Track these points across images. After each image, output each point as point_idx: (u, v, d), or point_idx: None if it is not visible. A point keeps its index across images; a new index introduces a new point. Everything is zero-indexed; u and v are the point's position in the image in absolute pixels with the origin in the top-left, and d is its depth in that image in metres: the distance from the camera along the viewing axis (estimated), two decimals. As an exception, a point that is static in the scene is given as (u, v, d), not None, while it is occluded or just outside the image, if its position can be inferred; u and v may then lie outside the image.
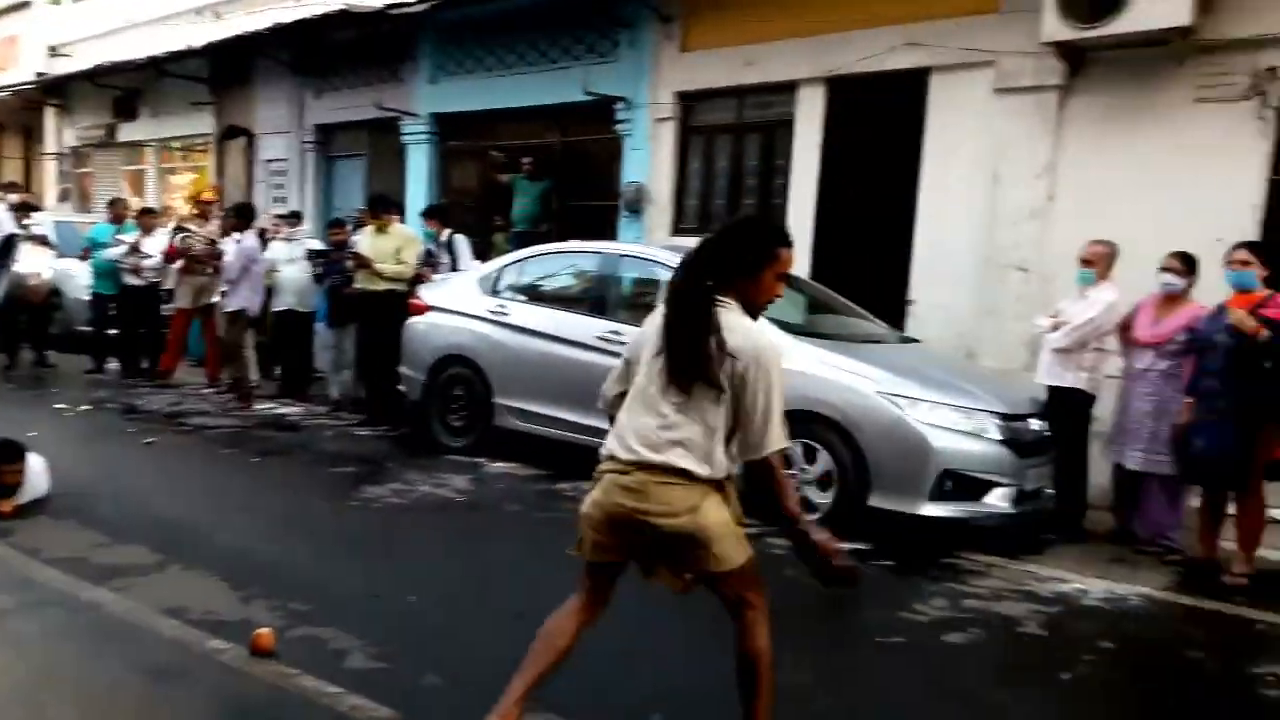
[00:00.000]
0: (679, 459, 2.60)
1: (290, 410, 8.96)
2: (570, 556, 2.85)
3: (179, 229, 9.70)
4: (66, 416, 8.09)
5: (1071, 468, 5.93)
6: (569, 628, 2.80)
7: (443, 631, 3.96)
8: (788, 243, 2.74)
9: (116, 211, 10.48)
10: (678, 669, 3.67)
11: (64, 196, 17.85)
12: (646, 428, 2.64)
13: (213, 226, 9.80)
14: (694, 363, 2.57)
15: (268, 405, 9.12)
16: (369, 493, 6.18)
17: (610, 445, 2.73)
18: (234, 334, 9.14)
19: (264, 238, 9.82)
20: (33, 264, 10.09)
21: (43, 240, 10.30)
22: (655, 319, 2.74)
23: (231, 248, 9.13)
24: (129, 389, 9.50)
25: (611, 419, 2.84)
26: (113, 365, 10.31)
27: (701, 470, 2.61)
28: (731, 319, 2.61)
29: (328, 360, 9.42)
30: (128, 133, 16.50)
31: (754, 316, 2.71)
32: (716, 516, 2.66)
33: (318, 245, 9.44)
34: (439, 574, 4.75)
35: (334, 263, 8.89)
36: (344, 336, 9.04)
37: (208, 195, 10.66)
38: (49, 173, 18.57)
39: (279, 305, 9.53)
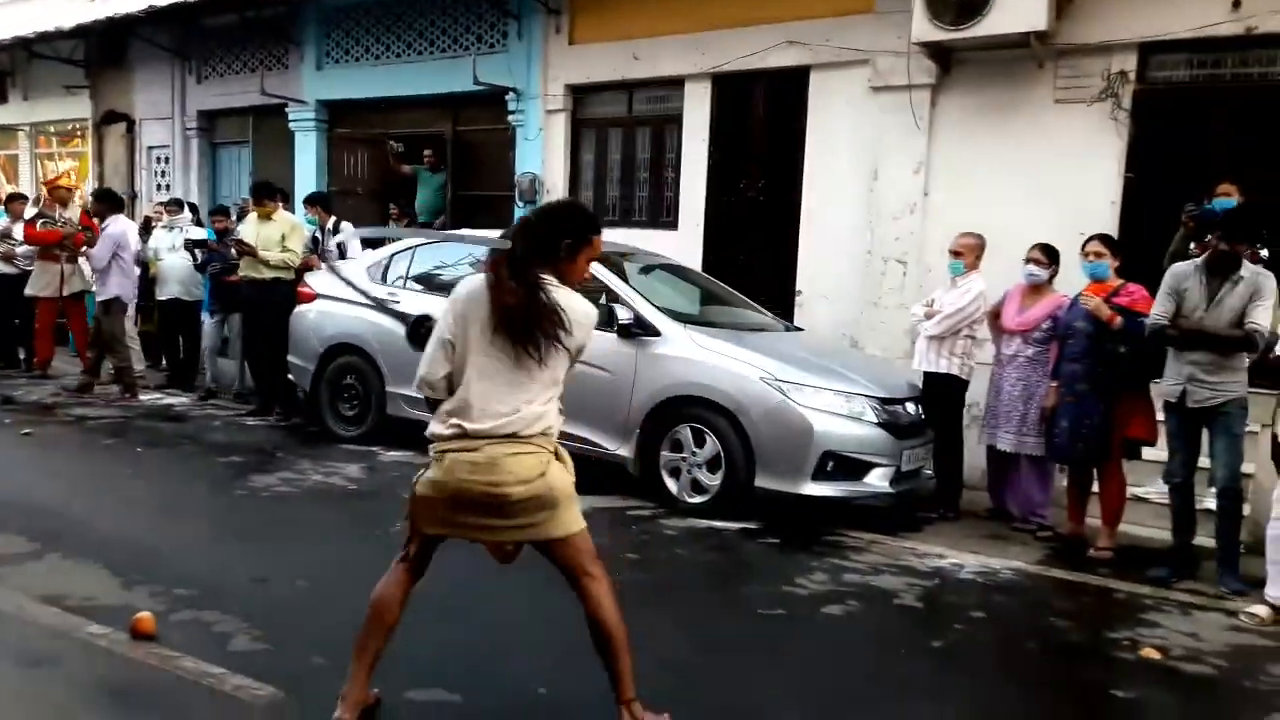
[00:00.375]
0: (530, 427, 2.76)
1: (178, 400, 8.74)
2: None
3: (39, 215, 9.38)
4: (-68, 409, 7.74)
5: (947, 449, 6.24)
6: (397, 598, 2.94)
7: (329, 614, 3.95)
8: (599, 230, 2.96)
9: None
10: (555, 638, 3.76)
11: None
12: (495, 401, 2.75)
13: (72, 212, 9.50)
14: (543, 336, 2.72)
15: (155, 396, 8.88)
16: (258, 482, 6.10)
17: (450, 424, 2.79)
18: (110, 324, 8.77)
19: (148, 226, 9.52)
20: None
21: None
22: (472, 297, 2.82)
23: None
24: (5, 380, 9.12)
25: (431, 403, 2.91)
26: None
27: (549, 438, 2.81)
28: (563, 295, 2.79)
29: (207, 349, 9.21)
30: (-2, 116, 15.71)
31: None
32: (563, 480, 2.83)
33: (197, 234, 9.18)
34: (329, 560, 4.72)
35: (215, 251, 8.68)
36: (225, 325, 8.86)
37: (64, 181, 10.28)
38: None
39: (164, 294, 9.29)
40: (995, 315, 6.13)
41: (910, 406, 6.08)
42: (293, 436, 7.51)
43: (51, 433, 7.28)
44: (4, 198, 10.35)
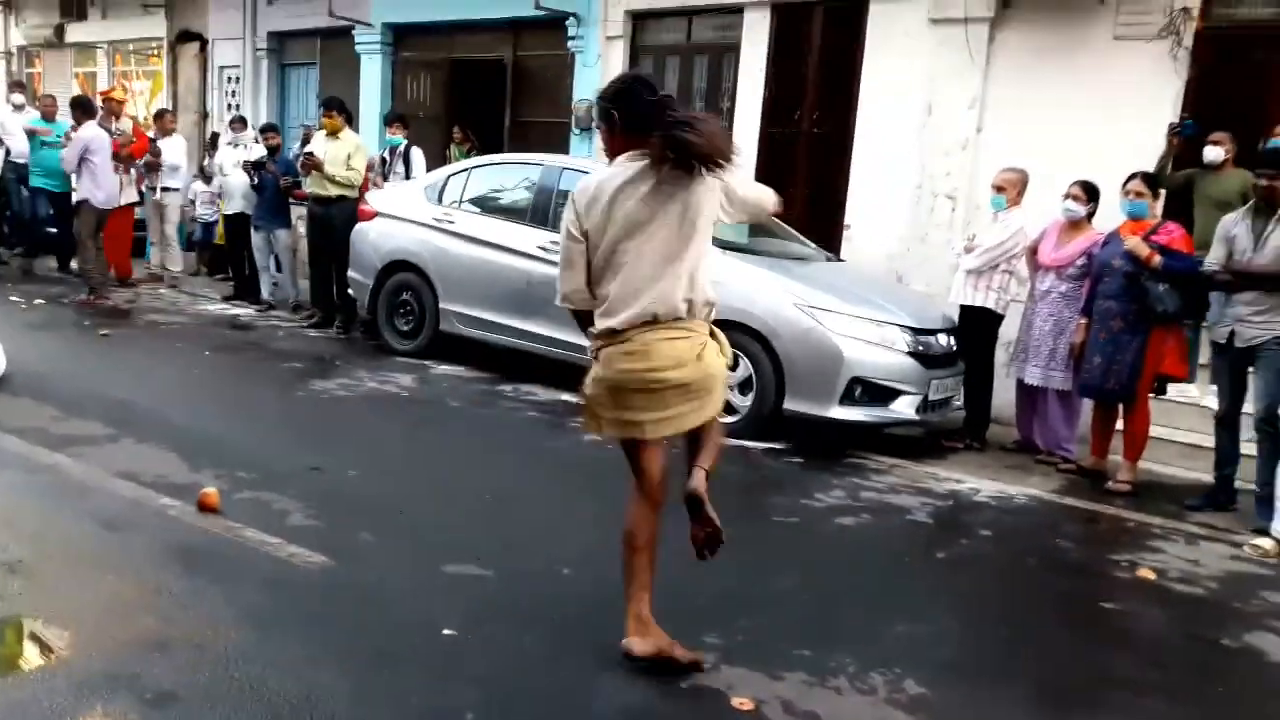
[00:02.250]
0: (678, 310, 2.81)
1: (243, 311, 9.18)
2: (587, 437, 3.10)
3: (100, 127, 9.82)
4: (21, 309, 8.25)
5: (978, 382, 6.38)
6: (637, 523, 2.93)
7: (378, 500, 4.31)
8: None
9: (45, 107, 10.39)
10: (583, 535, 4.05)
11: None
12: (640, 292, 2.78)
13: (125, 124, 9.99)
14: (726, 156, 2.70)
15: (222, 306, 9.35)
16: (316, 386, 6.48)
17: (601, 324, 2.85)
18: (79, 225, 9.11)
19: (215, 143, 9.90)
20: None
21: None
22: (600, 194, 2.81)
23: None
24: (83, 286, 9.63)
25: (579, 315, 2.97)
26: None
27: (702, 320, 2.89)
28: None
29: (260, 265, 9.57)
30: (77, 33, 16.17)
31: None
32: (718, 365, 2.91)
33: (255, 154, 9.49)
34: (378, 455, 5.08)
35: (268, 172, 8.98)
36: (277, 240, 9.22)
37: (116, 94, 10.65)
38: (-2, 73, 18.21)
39: (230, 209, 9.68)
40: (1033, 251, 6.20)
41: (943, 338, 6.21)
42: (351, 348, 7.89)
43: (127, 335, 7.77)
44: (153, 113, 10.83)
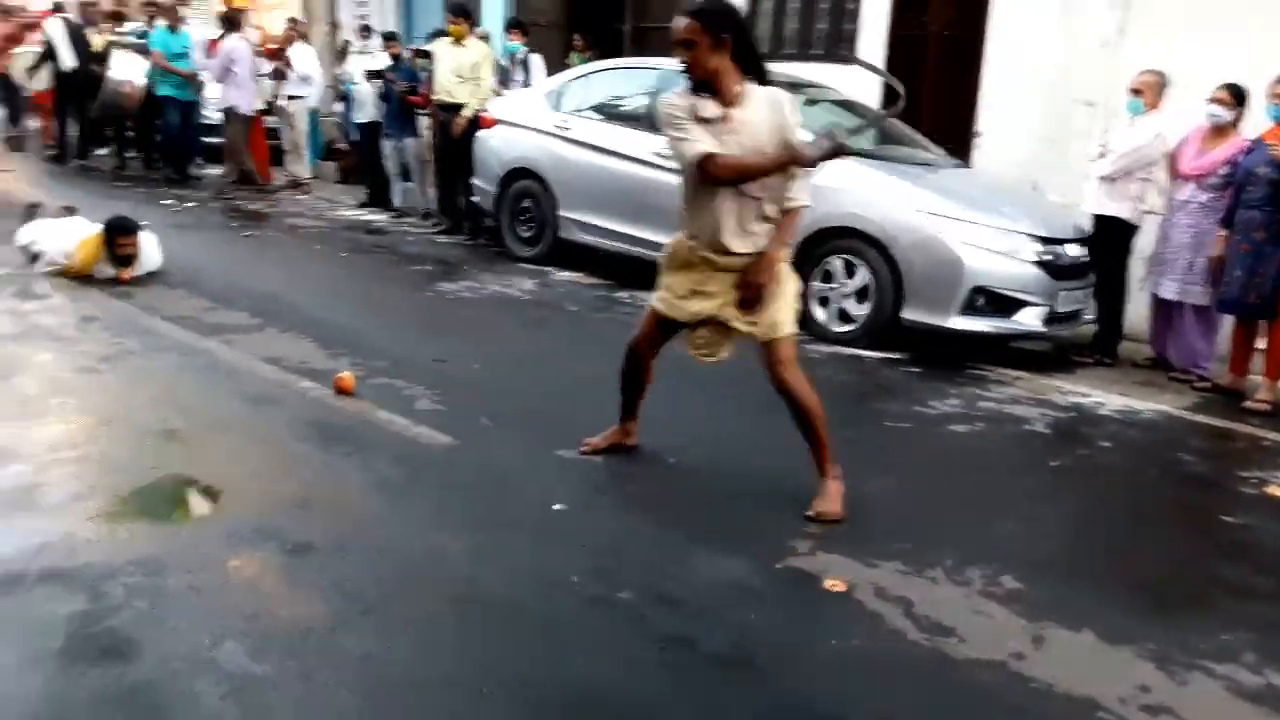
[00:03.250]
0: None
1: (376, 217, 9.55)
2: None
3: (223, 36, 10.31)
4: (173, 211, 8.80)
5: (1110, 295, 6.16)
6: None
7: (498, 390, 4.52)
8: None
9: (172, 18, 10.71)
10: (688, 428, 4.17)
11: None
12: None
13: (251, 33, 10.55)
14: None
15: (356, 211, 9.75)
16: (443, 287, 6.76)
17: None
18: (231, 131, 10.18)
19: (345, 53, 10.20)
20: (125, 72, 10.58)
21: (138, 49, 10.81)
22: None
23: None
24: (228, 192, 10.20)
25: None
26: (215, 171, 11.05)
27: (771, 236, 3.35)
28: None
29: (390, 172, 9.82)
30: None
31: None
32: (784, 271, 3.43)
33: (378, 64, 9.70)
34: (499, 351, 5.31)
35: (390, 80, 9.17)
36: (405, 149, 9.44)
37: (239, 3, 11.00)
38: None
39: (361, 117, 9.94)
40: (1173, 158, 5.90)
41: (1073, 248, 6.00)
42: (476, 254, 8.14)
43: (269, 236, 8.23)
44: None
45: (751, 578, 2.93)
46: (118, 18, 11.00)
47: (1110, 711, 2.41)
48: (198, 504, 3.14)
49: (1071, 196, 7.27)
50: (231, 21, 10.23)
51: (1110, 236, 6.04)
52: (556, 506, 3.28)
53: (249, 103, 10.09)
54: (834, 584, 2.91)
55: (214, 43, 10.44)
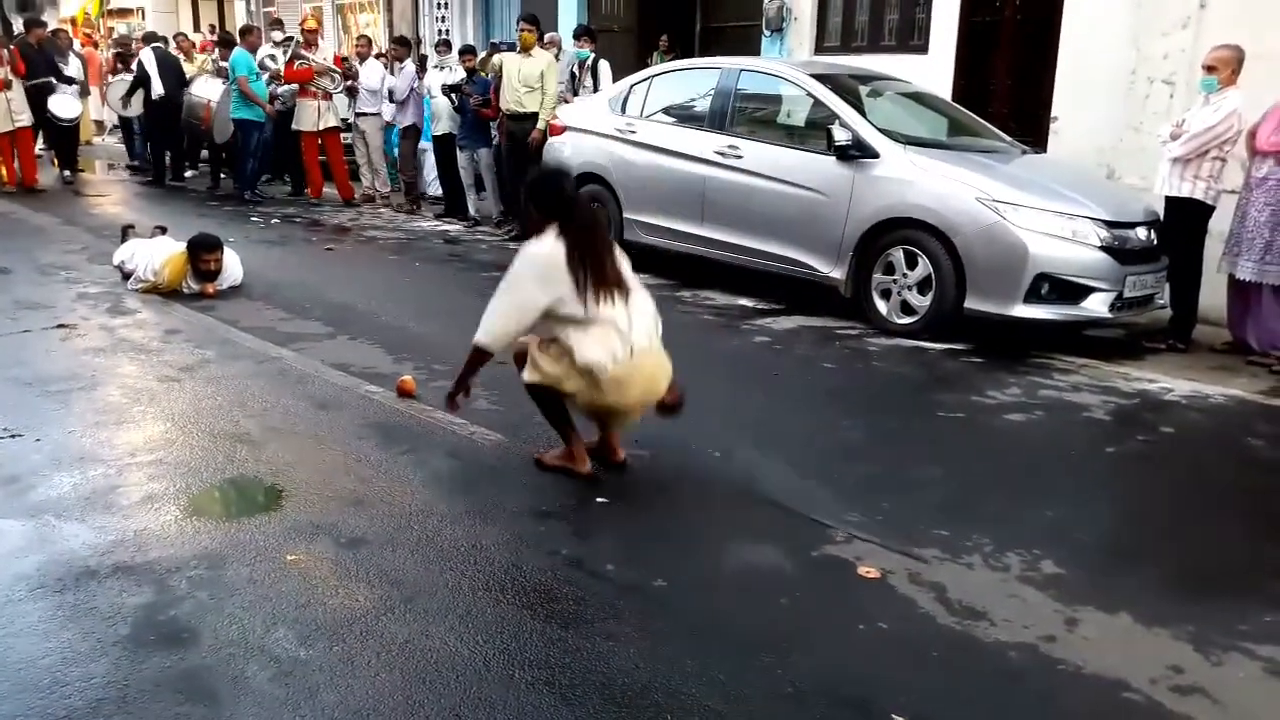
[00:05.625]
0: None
1: (452, 226, 9.82)
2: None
3: (294, 56, 10.61)
4: (260, 228, 9.21)
5: (1184, 278, 5.98)
6: None
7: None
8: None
9: (250, 40, 10.97)
10: (734, 422, 4.22)
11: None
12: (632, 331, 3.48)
13: (322, 54, 10.90)
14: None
15: (433, 222, 10.03)
16: (510, 292, 6.91)
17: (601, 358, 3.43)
18: (406, 147, 10.70)
19: (423, 66, 10.51)
20: (205, 92, 11.08)
21: (217, 72, 11.29)
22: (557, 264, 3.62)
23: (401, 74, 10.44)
24: (313, 207, 10.60)
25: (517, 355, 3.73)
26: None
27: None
28: None
29: (465, 181, 10.05)
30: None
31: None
32: None
33: (453, 79, 9.94)
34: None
35: (465, 94, 9.41)
36: (479, 159, 9.67)
37: (310, 24, 11.23)
38: (238, 11, 19.84)
39: (438, 130, 10.23)
40: (1252, 135, 5.70)
41: (1142, 231, 5.84)
42: (546, 257, 8.29)
43: (348, 249, 8.53)
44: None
45: (785, 564, 2.98)
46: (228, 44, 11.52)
47: (1138, 692, 2.40)
48: (261, 502, 3.33)
49: (1149, 179, 7.07)
50: (404, 43, 10.89)
51: (1184, 218, 5.86)
52: (599, 500, 3.38)
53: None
54: (867, 570, 2.94)
55: (288, 65, 10.79)
